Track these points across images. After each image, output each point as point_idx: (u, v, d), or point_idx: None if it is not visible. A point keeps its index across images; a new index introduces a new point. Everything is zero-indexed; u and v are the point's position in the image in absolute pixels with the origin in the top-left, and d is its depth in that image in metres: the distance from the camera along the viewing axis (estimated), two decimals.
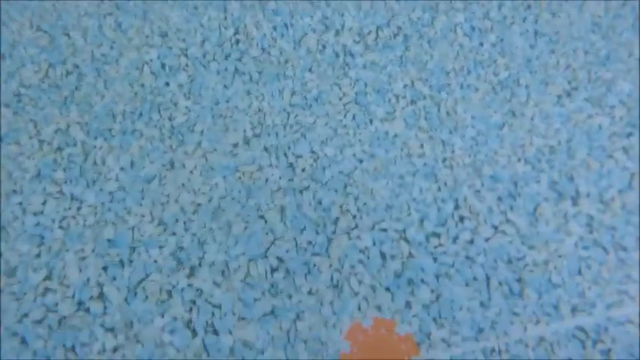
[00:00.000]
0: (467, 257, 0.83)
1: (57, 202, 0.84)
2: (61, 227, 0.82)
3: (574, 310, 0.79)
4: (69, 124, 0.90)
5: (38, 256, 0.80)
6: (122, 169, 0.87)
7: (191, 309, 0.77)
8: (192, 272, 0.80)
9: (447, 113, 0.95)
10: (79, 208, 0.84)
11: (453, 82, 0.98)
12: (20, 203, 0.84)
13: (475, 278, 0.81)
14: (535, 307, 0.79)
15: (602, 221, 0.86)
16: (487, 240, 0.84)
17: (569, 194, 0.89)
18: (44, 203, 0.84)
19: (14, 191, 0.85)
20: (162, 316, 0.76)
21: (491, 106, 0.96)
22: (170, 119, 0.92)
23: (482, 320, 0.78)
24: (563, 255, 0.83)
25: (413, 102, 0.96)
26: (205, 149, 0.90)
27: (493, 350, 0.75)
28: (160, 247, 0.82)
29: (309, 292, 0.79)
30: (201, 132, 0.91)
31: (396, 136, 0.93)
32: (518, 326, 0.77)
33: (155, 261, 0.81)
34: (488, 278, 0.81)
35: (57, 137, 0.89)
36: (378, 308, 0.78)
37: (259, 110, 0.94)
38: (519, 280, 0.81)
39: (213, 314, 0.77)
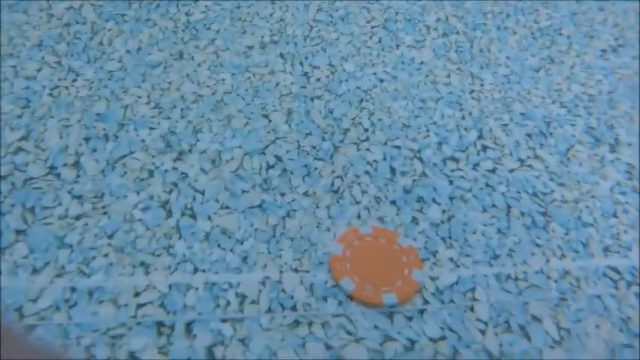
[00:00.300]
0: (487, 184, 0.73)
1: (52, 71, 0.79)
2: (50, 95, 0.76)
3: (606, 250, 0.68)
4: (82, 4, 0.86)
5: (20, 117, 0.74)
6: (128, 52, 0.82)
7: (171, 191, 0.69)
8: (179, 156, 0.72)
9: (480, 50, 0.88)
10: (74, 80, 0.78)
11: (489, 22, 0.92)
12: (14, 66, 0.79)
13: (494, 205, 0.71)
14: (561, 242, 0.68)
15: None
16: (511, 171, 0.75)
17: (608, 141, 0.79)
18: (39, 70, 0.79)
19: (11, 55, 0.80)
20: (138, 194, 0.68)
21: (528, 50, 0.89)
22: (187, 14, 0.87)
23: (498, 246, 0.67)
24: (596, 196, 0.73)
25: (445, 35, 0.90)
26: (218, 46, 0.84)
27: (509, 277, 0.64)
28: (151, 129, 0.75)
29: (305, 194, 0.70)
30: (217, 31, 0.86)
31: (422, 63, 0.86)
32: (539, 257, 0.66)
33: (142, 140, 0.73)
34: (509, 207, 0.71)
35: (68, 14, 0.85)
36: (381, 220, 0.69)
37: (281, 20, 0.89)
38: (544, 214, 0.71)
39: (194, 199, 0.68)
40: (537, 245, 0.68)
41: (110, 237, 0.64)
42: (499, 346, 0.57)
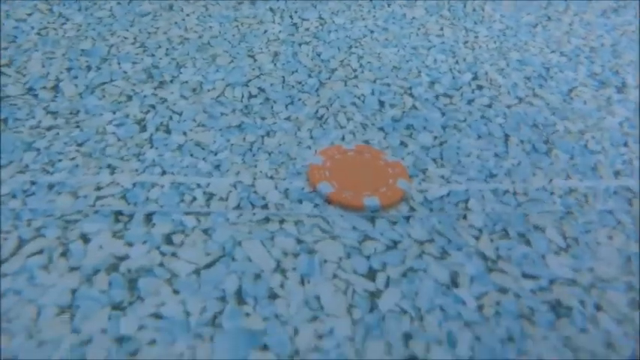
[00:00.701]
0: (482, 116, 0.69)
1: (43, 16, 0.79)
2: (38, 34, 0.76)
3: (617, 174, 0.61)
4: None
5: (5, 49, 0.73)
6: (119, 3, 0.83)
7: (148, 111, 0.66)
8: (160, 85, 0.70)
9: (474, 9, 0.87)
10: (63, 24, 0.78)
11: None
12: (7, 11, 0.79)
13: (490, 134, 0.66)
14: (565, 166, 0.62)
15: None
16: (509, 107, 0.70)
17: (614, 84, 0.75)
18: (30, 15, 0.79)
19: (4, 1, 0.81)
20: (114, 113, 0.65)
21: (523, 9, 0.87)
22: None
23: (494, 167, 0.61)
24: (604, 129, 0.68)
25: None
26: (208, 1, 0.84)
27: (507, 192, 0.58)
28: (134, 63, 0.73)
29: (287, 119, 0.66)
30: None
31: (414, 18, 0.85)
32: (541, 177, 0.60)
33: (125, 72, 0.72)
34: (506, 135, 0.66)
35: None
36: (367, 142, 0.64)
37: None
38: (546, 142, 0.65)
39: (171, 118, 0.65)
40: (539, 167, 0.62)
41: (80, 145, 0.60)
42: (495, 249, 0.51)
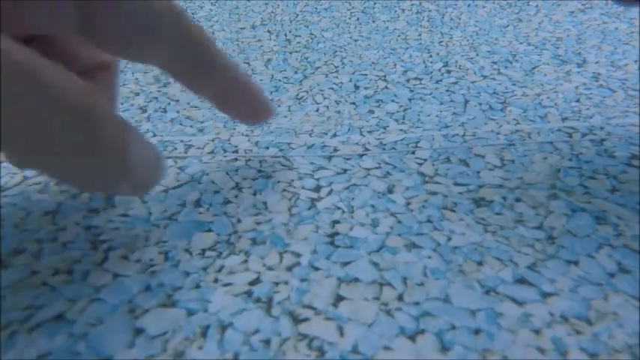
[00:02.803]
0: (447, 90, 0.75)
1: None
2: None
3: (565, 119, 0.65)
4: None
5: None
6: None
7: (151, 101, 0.77)
8: (165, 85, 0.82)
9: (451, 19, 0.96)
10: None
11: (460, 2, 1.01)
12: None
13: (452, 100, 0.72)
14: (517, 116, 0.67)
15: (612, 75, 0.75)
16: (474, 82, 0.77)
17: (575, 62, 0.80)
18: None
19: None
20: (122, 104, 0.77)
21: (497, 16, 0.96)
22: (192, 12, 1.04)
23: (451, 122, 0.67)
24: (559, 91, 0.72)
25: (418, 12, 0.99)
26: (214, 29, 0.98)
27: (457, 134, 0.63)
28: (145, 72, 0.86)
29: (271, 100, 0.75)
30: (217, 21, 1.01)
31: (395, 29, 0.95)
32: (492, 125, 0.65)
33: (137, 78, 0.84)
34: (466, 101, 0.72)
35: None
36: (338, 113, 0.71)
37: (272, 12, 1.03)
38: (503, 102, 0.70)
39: (169, 104, 0.76)
40: (491, 119, 0.67)
41: None
42: (435, 170, 0.55)
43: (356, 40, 0.92)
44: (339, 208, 0.49)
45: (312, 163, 0.59)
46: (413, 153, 0.60)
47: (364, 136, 0.64)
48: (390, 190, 0.52)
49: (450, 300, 0.36)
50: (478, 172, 0.54)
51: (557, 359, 0.31)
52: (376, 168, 0.57)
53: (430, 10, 1.00)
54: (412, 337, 0.33)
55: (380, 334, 0.34)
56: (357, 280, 0.39)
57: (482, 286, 0.38)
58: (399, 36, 0.92)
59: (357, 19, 0.99)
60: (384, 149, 0.61)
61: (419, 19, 0.97)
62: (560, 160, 0.55)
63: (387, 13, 1.00)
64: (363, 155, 0.60)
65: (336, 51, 0.89)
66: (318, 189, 0.53)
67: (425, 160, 0.58)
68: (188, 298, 0.38)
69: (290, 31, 0.96)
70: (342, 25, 0.97)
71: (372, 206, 0.49)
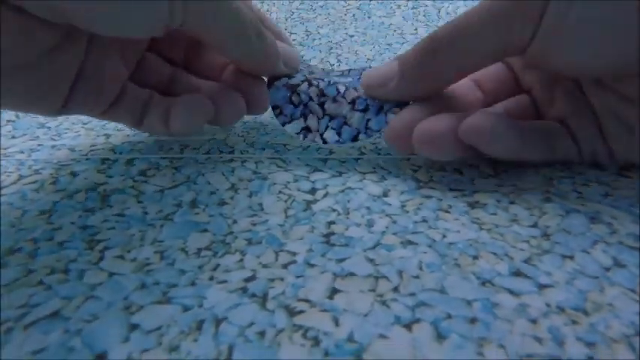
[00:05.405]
0: None
1: None
2: None
3: None
4: None
5: None
6: None
7: None
8: None
9: (447, 13, 0.96)
10: None
11: None
12: None
13: None
14: None
15: None
16: None
17: None
18: None
19: None
20: None
21: None
22: None
23: None
24: None
25: (414, 8, 0.99)
26: None
27: None
28: None
29: None
30: None
31: (391, 24, 0.94)
32: None
33: None
34: None
35: None
36: None
37: (268, 10, 1.03)
38: None
39: None
40: None
41: (85, 124, 0.71)
42: (430, 177, 0.55)
43: (352, 36, 0.91)
44: (334, 210, 0.49)
45: (307, 165, 0.59)
46: (408, 160, 0.60)
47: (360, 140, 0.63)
48: (386, 194, 0.52)
49: (446, 291, 0.36)
50: (472, 180, 0.54)
51: (554, 348, 0.32)
52: (371, 172, 0.57)
53: (426, 5, 0.99)
54: (408, 326, 0.33)
55: (375, 324, 0.34)
56: (352, 274, 0.39)
57: (478, 278, 0.38)
58: (394, 31, 0.92)
59: (353, 15, 0.99)
60: (379, 154, 0.61)
61: (415, 14, 0.97)
62: (552, 170, 0.55)
63: (383, 8, 1.00)
64: (358, 159, 0.60)
65: (332, 47, 0.89)
66: (313, 191, 0.53)
67: (420, 167, 0.58)
68: (183, 294, 0.38)
69: (286, 29, 0.96)
70: (337, 22, 0.97)
71: (368, 208, 0.50)
